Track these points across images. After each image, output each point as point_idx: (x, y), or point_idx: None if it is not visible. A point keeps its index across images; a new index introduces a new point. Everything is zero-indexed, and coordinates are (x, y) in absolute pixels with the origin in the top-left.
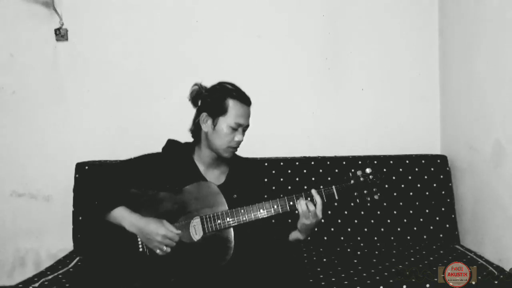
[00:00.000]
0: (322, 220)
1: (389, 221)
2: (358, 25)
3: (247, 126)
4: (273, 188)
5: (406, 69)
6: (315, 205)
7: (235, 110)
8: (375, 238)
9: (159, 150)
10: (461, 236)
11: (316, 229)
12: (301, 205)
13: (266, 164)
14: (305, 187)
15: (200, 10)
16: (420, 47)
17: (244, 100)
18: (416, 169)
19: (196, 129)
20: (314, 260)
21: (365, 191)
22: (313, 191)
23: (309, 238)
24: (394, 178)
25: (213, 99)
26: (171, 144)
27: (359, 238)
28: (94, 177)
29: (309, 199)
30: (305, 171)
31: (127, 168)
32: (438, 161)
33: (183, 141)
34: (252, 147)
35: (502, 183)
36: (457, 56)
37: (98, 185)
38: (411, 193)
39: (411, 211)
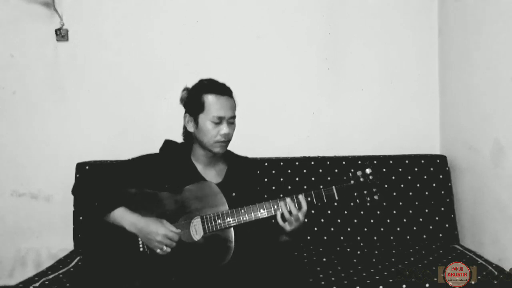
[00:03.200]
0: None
1: (388, 221)
2: (358, 25)
3: (232, 117)
4: (273, 188)
5: (406, 69)
6: (300, 209)
7: (213, 104)
8: (375, 237)
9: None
10: (460, 236)
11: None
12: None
13: (266, 164)
14: (305, 187)
15: (200, 10)
16: (420, 47)
17: (221, 91)
18: (416, 169)
19: (186, 131)
20: (314, 260)
21: (365, 192)
22: (300, 197)
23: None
24: (393, 178)
25: (190, 99)
26: (168, 144)
27: (358, 238)
28: (93, 178)
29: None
30: (305, 171)
31: (126, 169)
32: (438, 161)
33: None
34: (252, 147)
35: (502, 183)
36: (456, 56)
37: (97, 186)
38: (410, 193)
39: (410, 211)
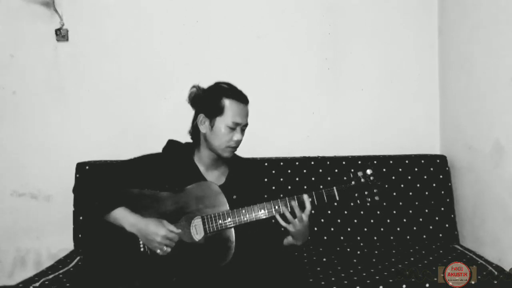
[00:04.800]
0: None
1: (388, 221)
2: (358, 25)
3: (246, 125)
4: (273, 188)
5: (406, 69)
6: (303, 210)
7: (232, 109)
8: (375, 237)
9: (160, 150)
10: (460, 236)
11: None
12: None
13: (266, 164)
14: (305, 187)
15: (200, 10)
16: (420, 47)
17: (241, 98)
18: (416, 169)
19: (194, 131)
20: (314, 260)
21: (365, 192)
22: (305, 197)
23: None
24: (393, 178)
25: (209, 100)
26: (171, 145)
27: (358, 238)
28: (94, 177)
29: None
30: (305, 171)
31: (128, 168)
32: (438, 161)
33: (183, 141)
34: (252, 147)
35: (502, 182)
36: (456, 56)
37: (98, 185)
38: (410, 193)
39: (410, 211)
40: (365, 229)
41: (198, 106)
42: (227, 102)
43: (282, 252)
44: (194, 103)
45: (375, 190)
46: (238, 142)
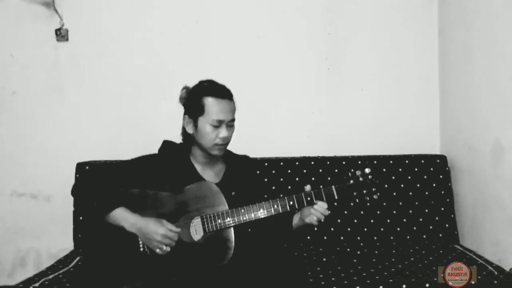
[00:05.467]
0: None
1: (388, 221)
2: (358, 25)
3: (232, 120)
4: (273, 188)
5: (405, 69)
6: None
7: (213, 107)
8: (375, 237)
9: None
10: (460, 236)
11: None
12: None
13: (266, 164)
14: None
15: (200, 10)
16: (420, 47)
17: (222, 94)
18: (416, 169)
19: (185, 132)
20: (314, 260)
21: (364, 191)
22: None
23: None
24: (393, 178)
25: (190, 101)
26: (167, 145)
27: (358, 238)
28: (92, 179)
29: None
30: (305, 171)
31: (126, 169)
32: (438, 161)
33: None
34: (252, 147)
35: (502, 182)
36: (456, 56)
37: (96, 187)
38: (410, 193)
39: (410, 211)
40: (365, 229)
41: (184, 107)
42: (207, 101)
43: (292, 236)
44: (184, 105)
45: (373, 189)
46: (225, 139)
